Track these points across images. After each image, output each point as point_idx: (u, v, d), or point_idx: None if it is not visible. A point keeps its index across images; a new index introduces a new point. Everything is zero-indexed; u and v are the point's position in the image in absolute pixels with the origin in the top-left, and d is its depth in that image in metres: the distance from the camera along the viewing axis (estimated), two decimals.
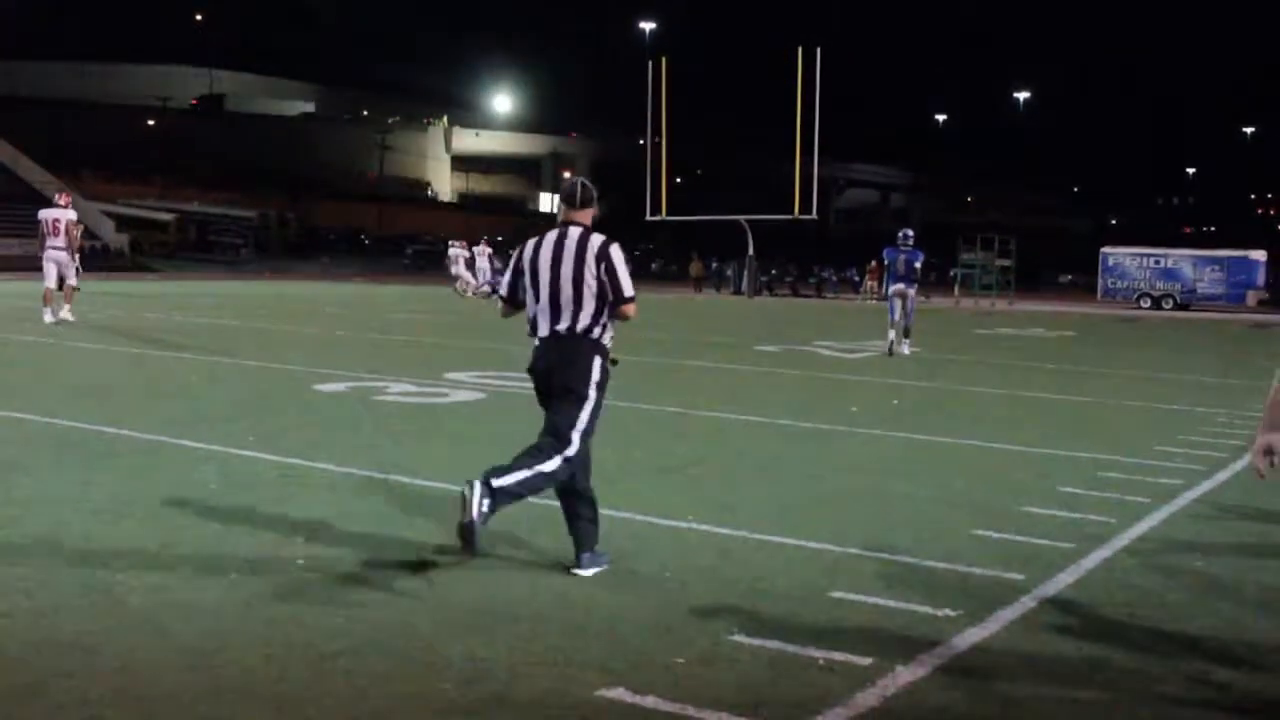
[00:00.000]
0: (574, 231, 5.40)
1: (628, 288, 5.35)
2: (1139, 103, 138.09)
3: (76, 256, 19.30)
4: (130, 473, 7.34)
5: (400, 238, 77.98)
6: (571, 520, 5.42)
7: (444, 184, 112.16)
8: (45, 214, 19.17)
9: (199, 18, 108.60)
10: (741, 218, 46.64)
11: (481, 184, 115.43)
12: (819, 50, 41.87)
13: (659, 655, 4.33)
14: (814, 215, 43.78)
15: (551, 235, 5.43)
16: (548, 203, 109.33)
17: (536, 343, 5.46)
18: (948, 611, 4.93)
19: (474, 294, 35.62)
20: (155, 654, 4.21)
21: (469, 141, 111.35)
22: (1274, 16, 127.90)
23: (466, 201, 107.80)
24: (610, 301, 5.35)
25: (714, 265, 53.78)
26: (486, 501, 5.05)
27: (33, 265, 22.21)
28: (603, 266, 5.31)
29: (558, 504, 5.53)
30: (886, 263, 19.27)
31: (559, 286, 5.33)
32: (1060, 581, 5.49)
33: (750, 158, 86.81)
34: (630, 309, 5.38)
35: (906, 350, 18.34)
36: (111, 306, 22.63)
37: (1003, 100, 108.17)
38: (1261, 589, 5.56)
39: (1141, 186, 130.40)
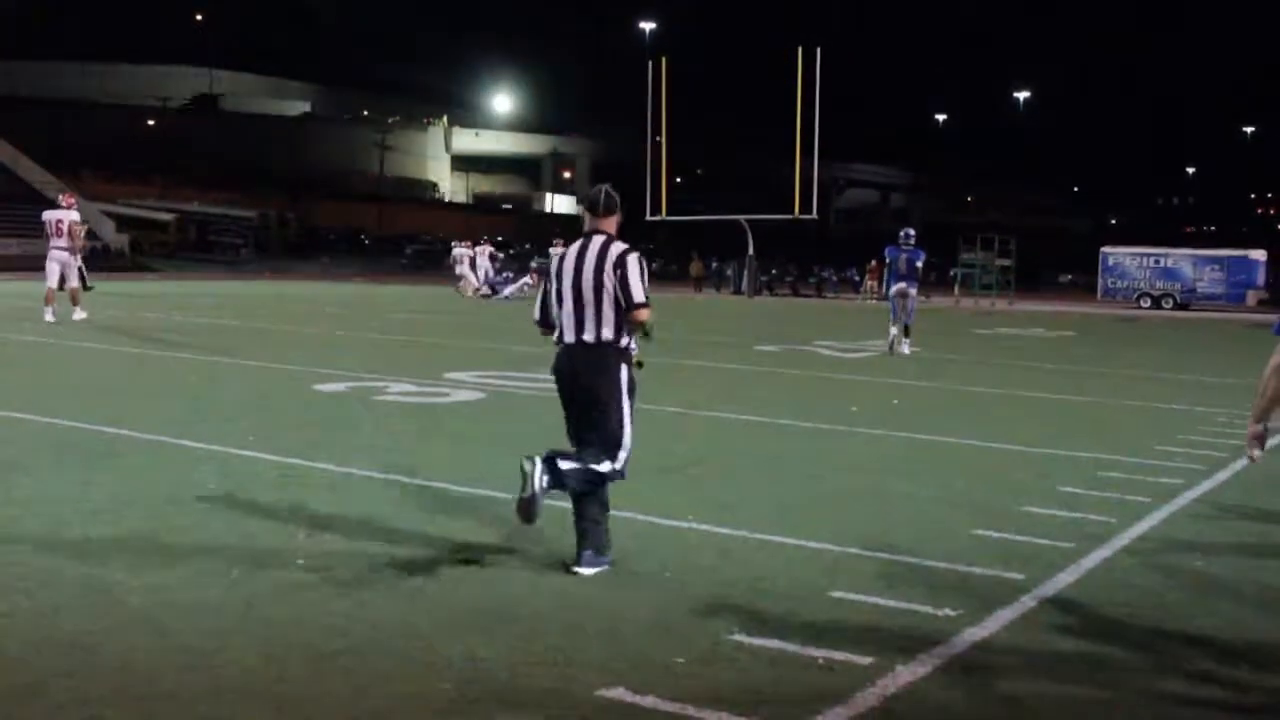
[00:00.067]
0: (597, 240, 5.47)
1: (638, 293, 5.35)
2: (1139, 103, 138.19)
3: (79, 257, 19.36)
4: (130, 472, 7.34)
5: (400, 238, 77.96)
6: (579, 518, 5.44)
7: (444, 184, 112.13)
8: (49, 215, 19.31)
9: (199, 18, 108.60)
10: (741, 217, 46.62)
11: (481, 184, 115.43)
12: (819, 50, 41.89)
13: (659, 655, 4.33)
14: (814, 215, 43.76)
15: (576, 245, 5.53)
16: (548, 203, 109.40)
17: (559, 348, 5.52)
18: (948, 611, 4.93)
19: (472, 294, 35.63)
20: (155, 653, 4.21)
21: (469, 141, 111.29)
22: (1274, 16, 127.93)
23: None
24: (623, 307, 5.36)
25: (714, 265, 53.75)
26: (546, 478, 5.17)
27: (33, 265, 22.25)
28: (618, 273, 5.34)
29: (559, 503, 5.53)
30: (888, 262, 19.26)
31: (581, 294, 5.38)
32: (1060, 581, 5.49)
33: (750, 158, 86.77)
34: (642, 314, 5.37)
35: (906, 350, 18.35)
36: (112, 306, 22.62)
37: (1003, 100, 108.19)
38: (1261, 588, 5.56)
39: (1141, 186, 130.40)
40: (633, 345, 5.49)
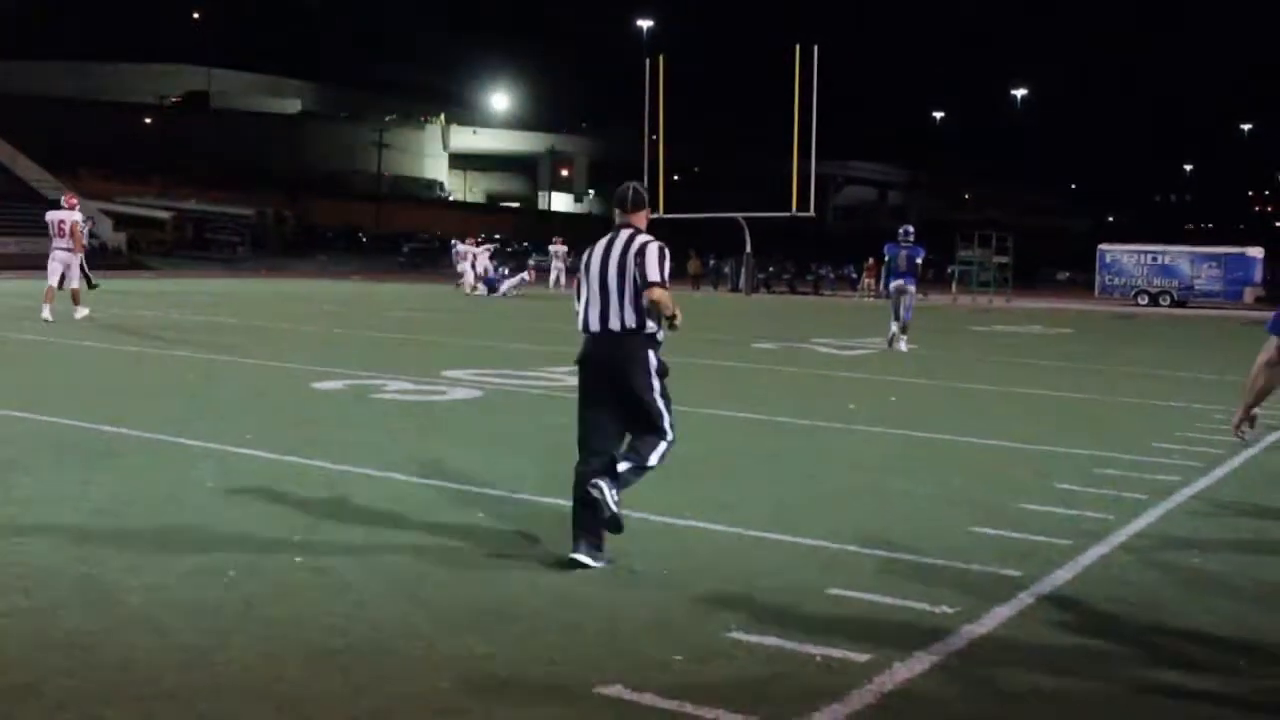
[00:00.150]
0: (625, 233, 5.63)
1: (653, 273, 5.45)
2: (1138, 102, 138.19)
3: (80, 256, 19.47)
4: (129, 471, 7.34)
5: (398, 236, 77.92)
6: (584, 509, 5.45)
7: (441, 181, 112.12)
8: (51, 215, 19.50)
9: (196, 16, 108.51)
10: (739, 215, 46.61)
11: (479, 182, 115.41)
12: (816, 48, 41.86)
13: (657, 652, 4.34)
14: (812, 213, 43.74)
15: (606, 238, 5.67)
16: (546, 201, 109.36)
17: (585, 335, 5.63)
18: (945, 608, 4.94)
19: (470, 291, 35.64)
20: (154, 653, 4.21)
21: (466, 139, 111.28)
22: (1272, 16, 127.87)
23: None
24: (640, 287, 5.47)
25: (711, 263, 53.75)
26: (614, 492, 5.33)
27: (30, 264, 22.27)
28: (638, 260, 5.46)
29: (557, 501, 5.54)
30: (887, 259, 19.27)
31: (606, 283, 5.51)
32: (1058, 578, 5.50)
33: (748, 156, 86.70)
34: (654, 293, 5.44)
35: (904, 347, 18.36)
36: (110, 304, 22.60)
37: (1001, 99, 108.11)
38: (1258, 584, 5.58)
39: (1140, 185, 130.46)
40: (660, 333, 5.59)
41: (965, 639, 4.59)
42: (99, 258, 42.66)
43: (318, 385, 11.82)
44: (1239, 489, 7.81)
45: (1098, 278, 47.19)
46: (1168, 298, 44.95)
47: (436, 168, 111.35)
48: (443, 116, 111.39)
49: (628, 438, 5.57)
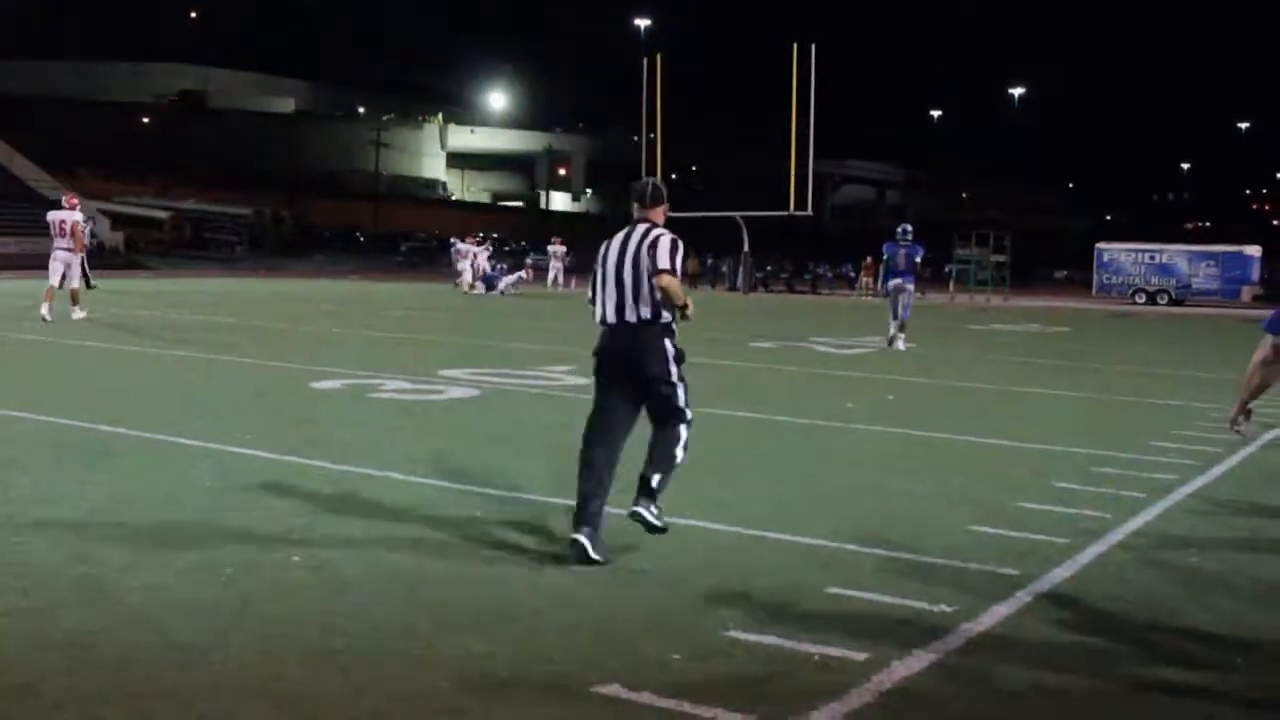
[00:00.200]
0: (641, 227, 5.73)
1: (664, 260, 5.53)
2: (1137, 102, 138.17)
3: (80, 256, 19.50)
4: (127, 471, 7.34)
5: (396, 235, 77.92)
6: (588, 497, 5.53)
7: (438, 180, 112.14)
8: (52, 215, 19.57)
9: (194, 16, 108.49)
10: (737, 214, 46.61)
11: (476, 181, 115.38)
12: (814, 47, 41.88)
13: (655, 651, 4.34)
14: (809, 211, 43.76)
15: (622, 232, 5.77)
16: (545, 200, 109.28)
17: (602, 328, 5.71)
18: (943, 606, 4.94)
19: (467, 290, 35.66)
20: (153, 652, 4.21)
21: (464, 139, 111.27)
22: (1272, 16, 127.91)
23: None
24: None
25: (709, 261, 53.77)
26: (652, 508, 5.52)
27: (30, 264, 22.28)
28: (651, 251, 5.55)
29: (556, 500, 5.55)
30: (885, 257, 19.28)
31: (621, 275, 5.61)
32: (1056, 576, 5.51)
33: (746, 155, 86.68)
34: (663, 280, 5.51)
35: (901, 346, 18.37)
36: (108, 304, 22.60)
37: (1000, 99, 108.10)
38: (1255, 583, 5.59)
39: (1138, 184, 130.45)
40: (674, 324, 5.67)
41: (963, 637, 4.60)
42: (97, 257, 42.69)
43: (316, 385, 11.82)
44: (1237, 487, 7.82)
45: (1095, 276, 47.24)
46: (1165, 296, 44.98)
47: (434, 167, 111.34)
48: (440, 116, 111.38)
49: (645, 447, 5.64)
